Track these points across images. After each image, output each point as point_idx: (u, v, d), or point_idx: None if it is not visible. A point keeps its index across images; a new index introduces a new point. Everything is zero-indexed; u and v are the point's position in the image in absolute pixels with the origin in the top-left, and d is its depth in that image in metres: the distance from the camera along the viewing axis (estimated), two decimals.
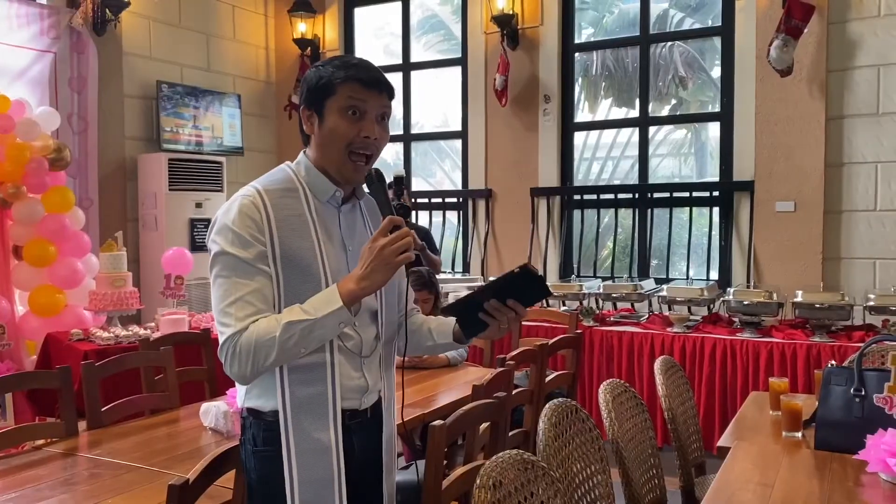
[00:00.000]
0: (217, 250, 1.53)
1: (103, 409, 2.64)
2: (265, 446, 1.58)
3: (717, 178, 5.19)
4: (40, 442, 2.54)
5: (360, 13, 6.52)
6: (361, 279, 1.50)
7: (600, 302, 4.86)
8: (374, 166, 1.64)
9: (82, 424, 2.59)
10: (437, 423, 1.92)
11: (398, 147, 6.43)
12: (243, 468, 1.66)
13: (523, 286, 1.56)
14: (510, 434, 2.62)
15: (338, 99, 1.57)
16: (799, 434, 2.36)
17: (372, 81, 1.58)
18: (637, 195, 5.44)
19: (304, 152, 1.66)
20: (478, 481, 1.50)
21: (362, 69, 1.59)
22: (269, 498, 1.58)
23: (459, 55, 6.03)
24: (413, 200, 4.72)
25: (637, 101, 5.50)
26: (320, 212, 1.61)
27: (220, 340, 1.51)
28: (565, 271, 5.60)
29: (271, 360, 1.49)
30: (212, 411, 2.52)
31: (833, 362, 2.60)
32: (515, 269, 1.55)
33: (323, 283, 1.56)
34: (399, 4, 6.26)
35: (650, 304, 4.83)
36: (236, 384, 1.66)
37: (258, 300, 1.51)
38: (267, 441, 1.57)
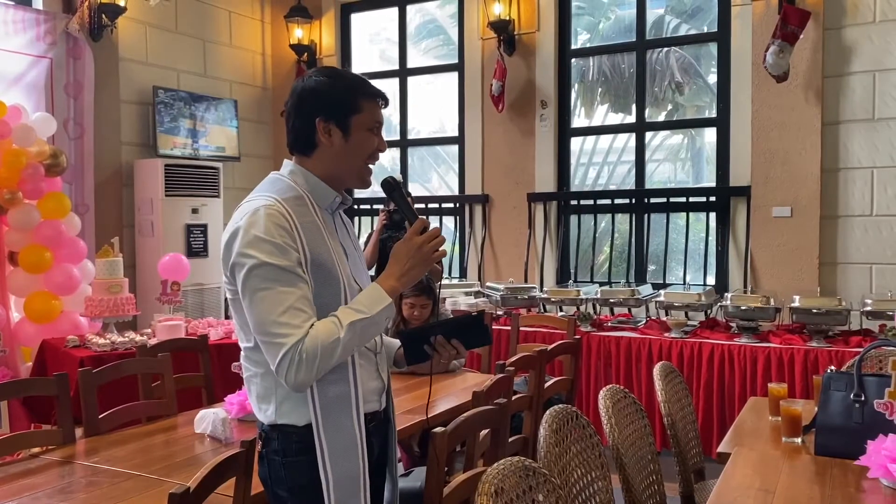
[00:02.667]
0: (253, 263, 1.51)
1: (100, 417, 2.63)
2: (297, 456, 1.59)
3: (713, 184, 5.20)
4: (36, 450, 2.52)
5: (356, 19, 6.52)
6: (403, 275, 1.59)
7: (597, 307, 4.86)
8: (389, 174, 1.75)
9: (79, 431, 2.57)
10: (439, 429, 1.91)
11: (395, 152, 6.42)
12: (267, 481, 1.65)
13: (470, 330, 1.70)
14: (509, 440, 2.62)
15: (365, 116, 1.64)
16: (799, 440, 2.36)
17: (383, 98, 1.68)
18: (634, 200, 5.45)
19: (293, 162, 1.68)
20: (479, 488, 1.49)
21: (372, 86, 1.68)
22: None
23: (456, 61, 6.04)
24: (413, 204, 4.71)
25: (633, 107, 5.51)
26: (323, 218, 1.64)
27: (278, 352, 1.49)
28: (562, 276, 5.60)
29: (333, 361, 1.52)
30: (208, 418, 2.51)
31: (832, 367, 2.60)
32: (474, 312, 1.73)
33: (341, 287, 1.59)
34: (395, 10, 6.27)
35: (647, 310, 4.83)
36: (251, 398, 1.65)
37: (306, 306, 1.53)
38: (299, 451, 1.58)
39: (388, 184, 1.72)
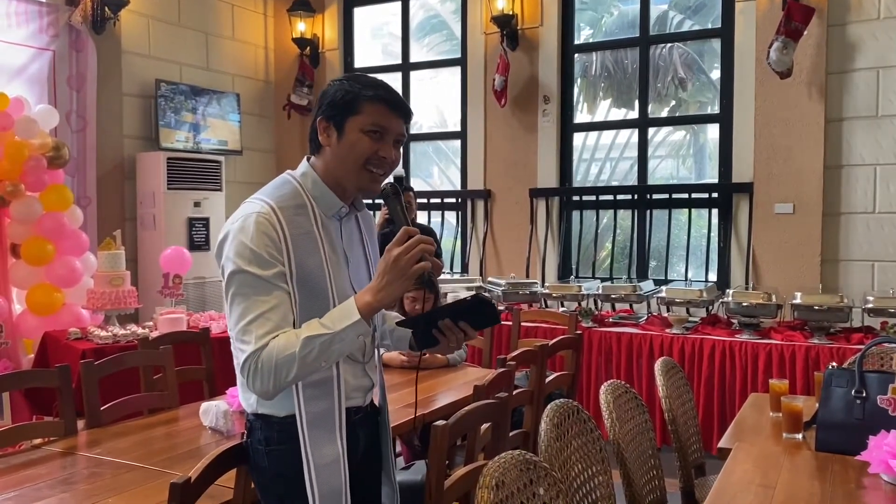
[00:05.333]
0: (234, 269, 1.52)
1: (102, 409, 2.63)
2: (280, 444, 1.60)
3: (715, 180, 5.19)
4: (38, 441, 2.53)
5: (359, 13, 6.51)
6: (378, 291, 1.50)
7: (599, 303, 4.86)
8: (388, 181, 1.66)
9: (80, 423, 2.58)
10: (440, 423, 1.91)
11: None
12: (253, 470, 1.67)
13: (475, 311, 1.64)
14: (510, 435, 2.62)
15: (363, 117, 1.58)
16: (799, 436, 2.36)
17: (397, 105, 1.61)
18: (636, 196, 5.44)
19: (309, 161, 1.66)
20: (480, 481, 1.49)
21: (390, 91, 1.62)
22: (288, 493, 1.60)
23: (459, 55, 6.03)
24: (415, 199, 4.72)
25: (636, 103, 5.50)
26: (325, 226, 1.62)
27: (241, 359, 1.50)
28: (564, 272, 5.60)
29: (293, 375, 1.48)
30: (212, 410, 2.51)
31: (833, 364, 2.60)
32: (468, 297, 1.63)
33: (330, 300, 1.57)
34: (399, 4, 6.26)
35: (649, 306, 4.83)
36: (238, 387, 1.66)
37: (277, 317, 1.51)
38: (281, 440, 1.59)
39: (384, 191, 1.65)
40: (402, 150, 1.71)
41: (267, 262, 1.51)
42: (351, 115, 1.58)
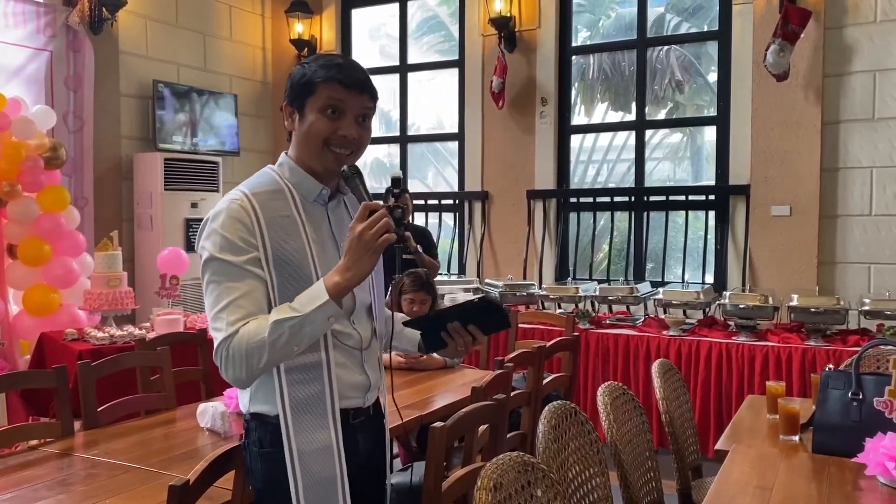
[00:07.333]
0: (207, 256, 1.53)
1: (99, 410, 2.63)
2: (272, 447, 1.56)
3: (713, 182, 5.20)
4: (34, 442, 2.53)
5: (357, 14, 6.52)
6: (346, 269, 1.47)
7: (596, 305, 4.86)
8: (353, 163, 1.63)
9: (77, 424, 2.58)
10: (438, 424, 1.91)
11: (394, 148, 6.43)
12: (248, 472, 1.65)
13: (485, 315, 1.62)
14: (508, 436, 2.62)
15: (317, 98, 1.57)
16: (796, 438, 2.37)
17: (352, 83, 1.57)
18: (633, 198, 5.45)
19: (286, 153, 1.66)
20: (478, 483, 1.49)
21: (344, 69, 1.58)
22: (281, 499, 1.55)
23: (456, 57, 6.03)
24: (412, 201, 4.72)
25: (633, 105, 5.51)
26: (308, 211, 1.61)
27: (215, 346, 1.50)
28: (561, 274, 5.60)
29: (264, 361, 1.47)
30: (209, 412, 2.51)
31: (830, 366, 2.60)
32: (475, 299, 1.61)
33: (314, 282, 1.54)
34: (396, 6, 6.26)
35: (646, 308, 4.83)
36: (238, 388, 1.66)
37: (250, 303, 1.50)
38: (274, 442, 1.56)
39: (343, 172, 1.62)
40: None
41: (239, 249, 1.50)
42: (309, 97, 1.58)
